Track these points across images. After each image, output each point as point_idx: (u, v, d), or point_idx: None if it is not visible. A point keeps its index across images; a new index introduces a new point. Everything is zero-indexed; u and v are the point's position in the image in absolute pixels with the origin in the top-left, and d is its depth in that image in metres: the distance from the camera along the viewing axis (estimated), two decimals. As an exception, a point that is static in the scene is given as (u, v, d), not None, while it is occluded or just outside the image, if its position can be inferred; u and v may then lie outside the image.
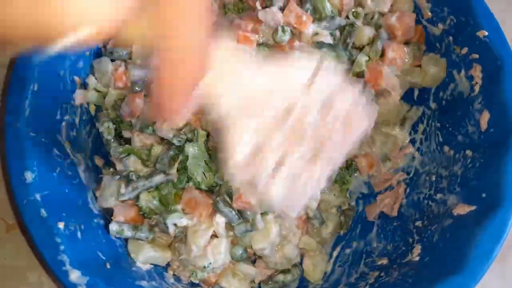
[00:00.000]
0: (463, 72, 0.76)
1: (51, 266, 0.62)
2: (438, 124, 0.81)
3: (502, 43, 0.71)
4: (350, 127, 0.58)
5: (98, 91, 0.80)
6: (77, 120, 0.78)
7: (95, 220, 0.74)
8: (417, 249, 0.74)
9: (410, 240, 0.77)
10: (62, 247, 0.63)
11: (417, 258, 0.72)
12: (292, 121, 0.55)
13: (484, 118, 0.72)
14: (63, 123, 0.75)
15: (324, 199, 0.83)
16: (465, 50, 0.75)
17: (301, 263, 0.82)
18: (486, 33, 0.71)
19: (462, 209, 0.70)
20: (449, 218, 0.72)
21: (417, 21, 0.82)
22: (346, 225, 0.85)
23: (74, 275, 0.62)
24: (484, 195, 0.68)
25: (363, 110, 0.59)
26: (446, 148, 0.79)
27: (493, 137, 0.70)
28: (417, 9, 0.82)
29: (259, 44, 0.78)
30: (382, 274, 0.75)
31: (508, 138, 0.67)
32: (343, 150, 0.59)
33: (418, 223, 0.78)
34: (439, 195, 0.76)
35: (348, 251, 0.84)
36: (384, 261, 0.78)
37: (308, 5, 0.80)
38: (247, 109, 0.54)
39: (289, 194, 0.56)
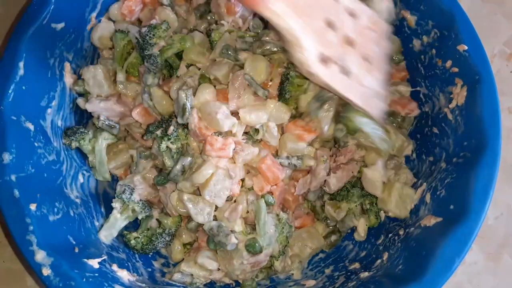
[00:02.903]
0: (442, 86, 0.77)
1: (18, 245, 0.64)
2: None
3: (481, 57, 0.71)
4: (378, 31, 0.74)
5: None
6: (65, 108, 0.81)
7: (72, 206, 0.76)
8: (385, 256, 0.74)
9: (380, 247, 0.77)
10: (31, 228, 0.65)
11: (383, 265, 0.73)
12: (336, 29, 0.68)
13: (459, 131, 0.72)
14: (49, 110, 0.77)
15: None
16: (447, 63, 0.75)
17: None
18: (466, 47, 0.72)
19: (429, 221, 0.70)
20: (417, 228, 0.72)
21: (403, 38, 0.84)
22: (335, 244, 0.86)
23: (40, 256, 0.64)
24: (452, 207, 0.68)
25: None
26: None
27: (466, 150, 0.70)
28: (402, 22, 0.83)
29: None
30: (349, 279, 0.75)
31: (480, 152, 0.67)
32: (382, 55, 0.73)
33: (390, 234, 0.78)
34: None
35: (322, 255, 0.86)
36: (356, 265, 0.79)
37: None
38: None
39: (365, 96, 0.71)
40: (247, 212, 0.75)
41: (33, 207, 0.67)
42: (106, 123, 0.81)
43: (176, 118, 0.75)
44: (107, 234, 0.79)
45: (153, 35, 0.72)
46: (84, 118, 0.86)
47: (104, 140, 0.83)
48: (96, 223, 0.80)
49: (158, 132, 0.76)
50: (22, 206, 0.66)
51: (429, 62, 0.79)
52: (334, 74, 0.68)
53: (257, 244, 0.73)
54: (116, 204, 0.79)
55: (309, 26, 0.66)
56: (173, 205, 0.77)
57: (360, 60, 0.71)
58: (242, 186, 0.76)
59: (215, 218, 0.75)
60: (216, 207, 0.75)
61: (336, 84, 0.69)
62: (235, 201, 0.75)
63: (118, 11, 0.84)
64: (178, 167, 0.74)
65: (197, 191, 0.75)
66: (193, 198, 0.74)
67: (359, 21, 0.72)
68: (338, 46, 0.69)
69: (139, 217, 0.81)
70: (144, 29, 0.73)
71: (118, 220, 0.79)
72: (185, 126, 0.75)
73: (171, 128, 0.74)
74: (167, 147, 0.75)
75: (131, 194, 0.79)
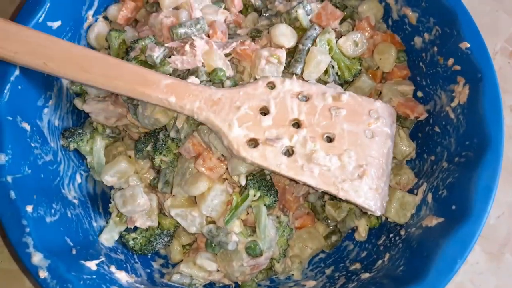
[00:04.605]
0: (444, 84, 0.76)
1: (15, 247, 0.63)
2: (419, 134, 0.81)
3: (484, 55, 0.70)
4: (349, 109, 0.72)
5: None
6: (62, 107, 0.80)
7: (69, 207, 0.75)
8: (386, 256, 0.73)
9: (381, 248, 0.77)
10: (27, 230, 0.64)
11: (384, 266, 0.72)
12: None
13: (461, 130, 0.71)
14: (46, 110, 0.76)
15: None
16: (448, 61, 0.74)
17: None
18: (468, 45, 0.71)
19: (430, 221, 0.69)
20: (419, 228, 0.71)
21: (405, 35, 0.82)
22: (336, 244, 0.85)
23: (37, 258, 0.63)
24: (454, 207, 0.67)
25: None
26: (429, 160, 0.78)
27: (468, 149, 0.69)
28: (403, 19, 0.81)
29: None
30: (350, 280, 0.74)
31: (482, 151, 0.66)
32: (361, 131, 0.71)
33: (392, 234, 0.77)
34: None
35: (322, 255, 0.85)
36: (357, 266, 0.78)
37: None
38: None
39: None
40: (247, 214, 0.74)
41: (29, 208, 0.66)
42: (107, 133, 0.82)
43: (165, 130, 0.74)
44: (108, 237, 0.79)
45: (134, 48, 0.73)
46: (81, 118, 0.86)
47: (101, 140, 0.82)
48: (94, 224, 0.79)
49: (149, 148, 0.75)
50: (18, 207, 0.65)
51: (430, 60, 0.78)
52: (269, 155, 0.68)
53: (257, 247, 0.72)
54: (113, 209, 0.78)
55: (231, 114, 0.68)
56: (167, 213, 0.76)
57: (315, 140, 0.69)
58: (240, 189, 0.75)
59: (211, 221, 0.75)
60: None
61: (272, 165, 0.68)
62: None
63: (118, 12, 0.83)
64: (161, 179, 0.74)
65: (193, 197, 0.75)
66: (181, 212, 0.74)
67: (313, 101, 0.71)
68: (274, 128, 0.69)
69: None
70: (131, 41, 0.73)
71: (118, 223, 0.79)
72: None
73: (160, 141, 0.74)
74: (161, 160, 0.74)
75: None
